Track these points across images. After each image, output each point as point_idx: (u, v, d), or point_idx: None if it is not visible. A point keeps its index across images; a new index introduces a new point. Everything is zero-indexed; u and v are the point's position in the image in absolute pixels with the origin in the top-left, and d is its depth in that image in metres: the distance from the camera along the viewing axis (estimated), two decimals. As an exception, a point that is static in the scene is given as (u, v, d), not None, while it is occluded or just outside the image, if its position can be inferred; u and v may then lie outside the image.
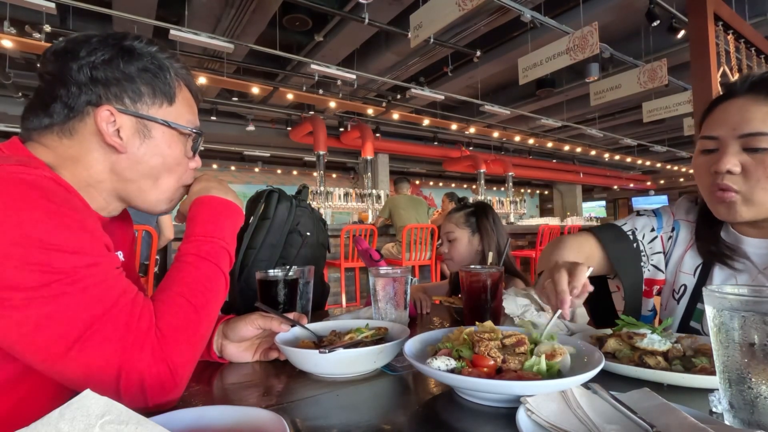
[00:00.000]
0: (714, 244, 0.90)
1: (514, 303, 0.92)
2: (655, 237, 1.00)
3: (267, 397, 0.66)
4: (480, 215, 1.61)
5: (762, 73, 0.82)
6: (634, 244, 0.98)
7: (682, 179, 17.03)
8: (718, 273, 0.90)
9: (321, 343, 0.78)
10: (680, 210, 1.01)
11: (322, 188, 7.53)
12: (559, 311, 0.71)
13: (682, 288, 0.94)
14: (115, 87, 0.67)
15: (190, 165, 0.79)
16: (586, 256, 0.94)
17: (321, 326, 0.87)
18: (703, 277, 0.92)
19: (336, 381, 0.71)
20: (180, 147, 0.74)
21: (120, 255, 0.82)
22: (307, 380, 0.72)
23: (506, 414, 0.56)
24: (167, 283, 0.66)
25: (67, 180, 0.65)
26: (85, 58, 0.66)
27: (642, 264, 0.98)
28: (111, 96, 0.67)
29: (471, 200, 1.71)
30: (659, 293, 1.01)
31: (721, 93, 0.86)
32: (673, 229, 1.00)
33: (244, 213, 1.39)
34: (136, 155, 0.69)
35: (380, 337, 0.78)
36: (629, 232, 0.99)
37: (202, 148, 0.85)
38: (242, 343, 0.82)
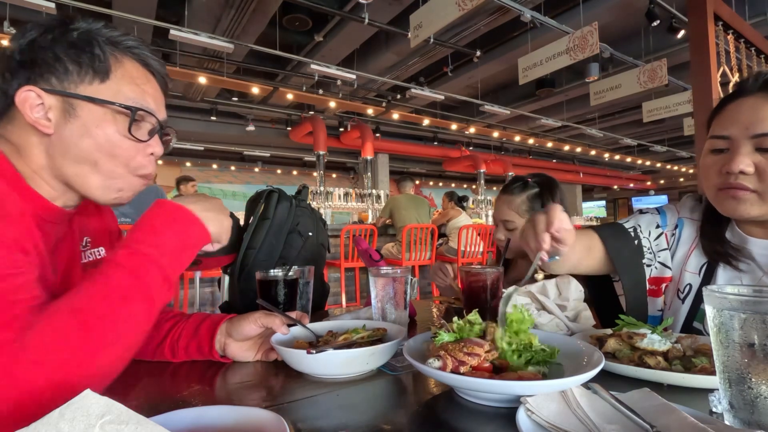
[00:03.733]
0: (719, 243, 0.89)
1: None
2: (661, 233, 0.99)
3: (267, 397, 0.66)
4: (546, 198, 1.31)
5: None
6: (636, 241, 0.97)
7: (682, 179, 17.02)
8: (723, 273, 0.89)
9: (317, 343, 0.78)
10: (685, 208, 1.00)
11: (322, 188, 7.53)
12: (540, 253, 0.71)
13: (687, 287, 0.93)
14: (40, 67, 0.64)
15: (144, 150, 0.71)
16: (587, 247, 0.93)
17: (321, 326, 0.87)
18: (708, 277, 0.91)
19: (336, 381, 0.71)
20: (112, 126, 0.66)
21: (102, 251, 0.82)
22: (307, 381, 0.72)
23: (506, 414, 0.56)
24: (69, 293, 0.56)
25: (20, 170, 0.64)
26: (15, 42, 0.65)
27: (645, 262, 0.97)
28: (37, 77, 0.64)
29: (530, 178, 1.41)
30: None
31: (729, 92, 0.84)
32: (676, 227, 0.99)
33: (244, 215, 1.40)
34: (63, 137, 0.65)
35: (377, 338, 0.78)
36: (631, 230, 0.98)
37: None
38: (245, 342, 0.82)
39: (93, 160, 0.66)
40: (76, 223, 0.78)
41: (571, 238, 0.73)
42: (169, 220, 0.65)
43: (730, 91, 0.84)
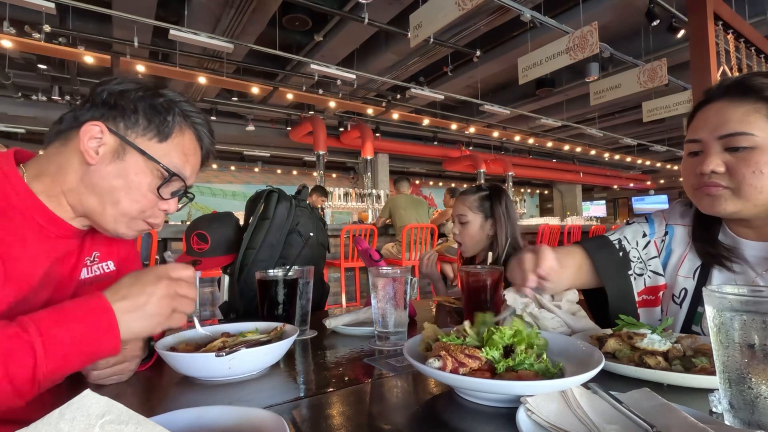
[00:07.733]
0: (711, 245, 0.91)
1: (514, 300, 0.92)
2: (649, 242, 1.01)
3: (267, 397, 0.66)
4: (494, 200, 1.56)
5: (735, 77, 0.86)
6: (620, 253, 0.99)
7: (681, 179, 16.99)
8: (717, 275, 0.90)
9: (209, 347, 0.77)
10: (674, 214, 1.02)
11: (322, 188, 7.52)
12: (523, 290, 0.82)
13: (683, 292, 0.94)
14: (117, 111, 0.73)
15: (161, 205, 0.77)
16: (578, 265, 0.96)
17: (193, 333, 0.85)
18: (703, 280, 0.92)
19: (336, 381, 0.71)
20: (147, 178, 0.74)
21: (110, 264, 0.87)
22: (306, 381, 0.72)
23: (506, 414, 0.56)
24: None
25: (41, 188, 0.71)
26: (109, 84, 0.75)
27: (636, 272, 0.99)
28: (110, 117, 0.73)
29: (483, 184, 1.67)
30: None
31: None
32: (666, 234, 1.01)
33: (244, 214, 1.40)
34: (102, 171, 0.72)
35: (276, 337, 0.81)
36: (615, 242, 1.00)
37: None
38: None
39: (116, 199, 0.73)
40: (89, 238, 0.83)
41: (556, 276, 0.82)
42: (80, 316, 0.57)
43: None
